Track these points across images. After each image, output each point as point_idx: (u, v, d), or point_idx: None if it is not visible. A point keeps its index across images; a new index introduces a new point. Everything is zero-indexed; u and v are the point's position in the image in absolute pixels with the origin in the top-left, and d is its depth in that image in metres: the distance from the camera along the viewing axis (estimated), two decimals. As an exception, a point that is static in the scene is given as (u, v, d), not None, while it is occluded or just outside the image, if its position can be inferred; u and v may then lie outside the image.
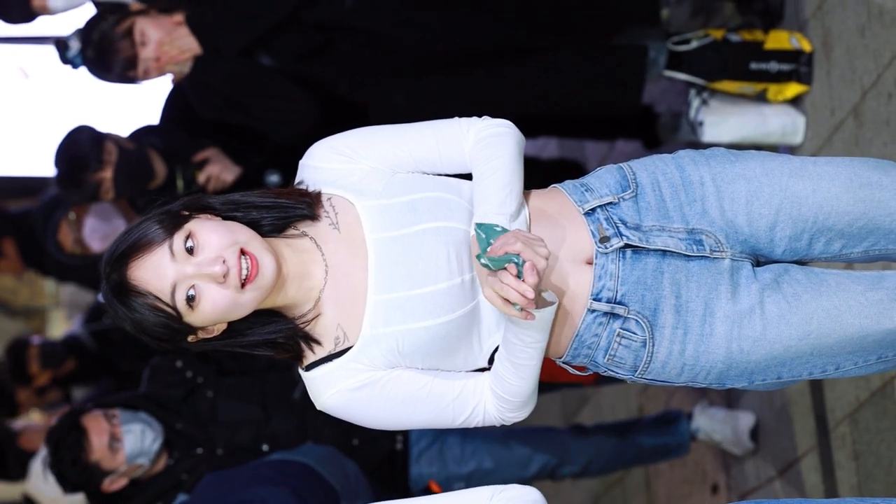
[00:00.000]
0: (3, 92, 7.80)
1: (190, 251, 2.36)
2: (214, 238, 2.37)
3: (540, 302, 2.34)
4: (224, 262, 2.35)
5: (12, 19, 4.65)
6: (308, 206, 2.47)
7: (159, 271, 2.36)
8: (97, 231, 5.42)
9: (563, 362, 2.54)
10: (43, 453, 5.78)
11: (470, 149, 2.51)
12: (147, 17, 4.22)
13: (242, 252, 2.37)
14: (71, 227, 5.50)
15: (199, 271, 2.36)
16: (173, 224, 2.39)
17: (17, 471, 5.93)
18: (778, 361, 2.51)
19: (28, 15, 4.58)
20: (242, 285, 2.37)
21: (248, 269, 2.36)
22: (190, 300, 2.36)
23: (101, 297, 2.47)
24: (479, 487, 2.36)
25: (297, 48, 4.23)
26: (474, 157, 2.50)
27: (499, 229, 2.34)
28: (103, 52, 4.24)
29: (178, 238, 2.37)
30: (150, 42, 4.21)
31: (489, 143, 2.50)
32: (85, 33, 4.26)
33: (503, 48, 4.26)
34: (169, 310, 2.36)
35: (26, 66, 7.72)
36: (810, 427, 4.12)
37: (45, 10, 4.54)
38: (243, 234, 2.39)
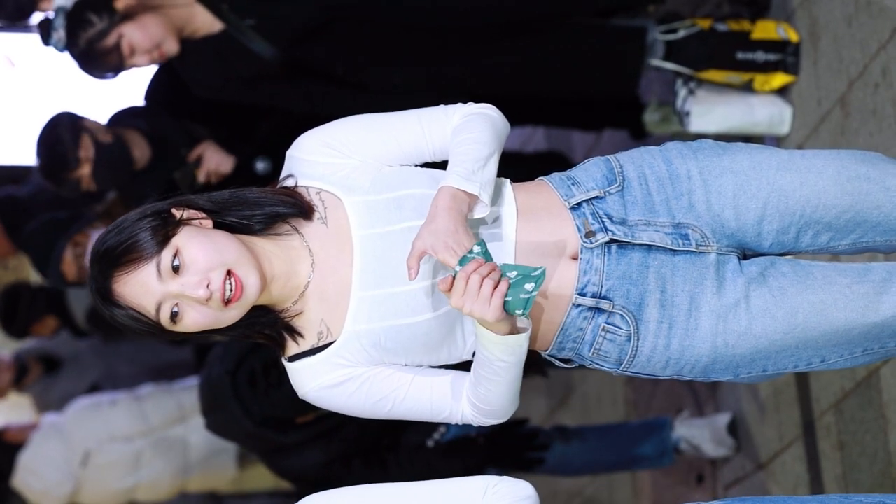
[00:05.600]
0: (-11, 80, 7.77)
1: (176, 269, 2.37)
2: (201, 257, 2.37)
3: (513, 326, 2.33)
4: (208, 285, 2.36)
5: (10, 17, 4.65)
6: (298, 203, 2.46)
7: (145, 289, 2.37)
8: None
9: (549, 355, 2.54)
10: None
11: (452, 130, 2.50)
12: (133, 23, 4.20)
13: (228, 272, 2.37)
14: (74, 257, 5.47)
15: (183, 292, 2.37)
16: (162, 237, 2.38)
17: (6, 466, 5.91)
18: (763, 355, 2.51)
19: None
20: (226, 303, 2.38)
21: (231, 290, 2.37)
22: (174, 316, 2.38)
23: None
24: (473, 478, 2.36)
25: (295, 30, 4.23)
26: (454, 134, 2.49)
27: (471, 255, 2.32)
28: (89, 60, 4.25)
29: (166, 255, 2.37)
30: (139, 52, 4.22)
31: (470, 121, 2.49)
32: (70, 32, 4.24)
33: (501, 28, 4.26)
34: (151, 323, 2.39)
35: (12, 54, 7.69)
36: (795, 417, 4.12)
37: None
38: (231, 253, 2.39)
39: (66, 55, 4.30)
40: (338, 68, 4.31)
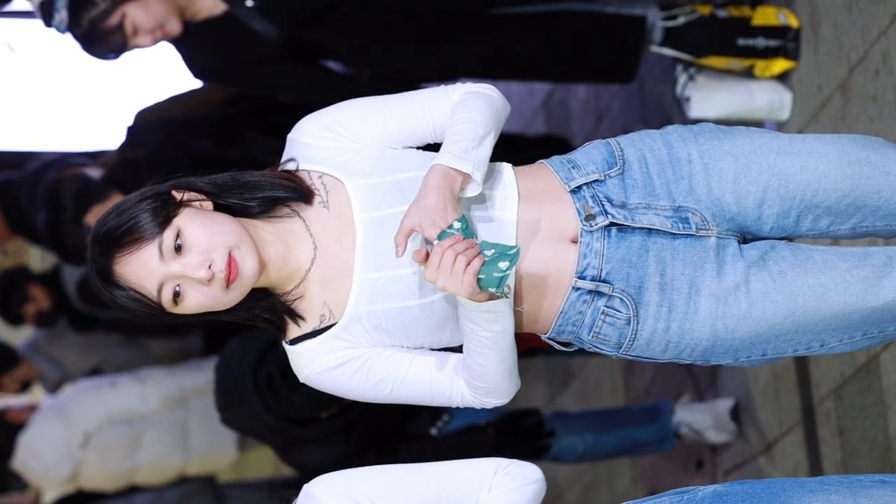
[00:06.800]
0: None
1: (178, 249, 2.38)
2: (203, 238, 2.38)
3: (492, 296, 2.33)
4: (210, 266, 2.37)
5: None
6: (298, 187, 2.47)
7: (147, 270, 2.38)
8: None
9: (548, 338, 2.54)
10: None
11: (452, 108, 2.50)
12: (136, 3, 4.20)
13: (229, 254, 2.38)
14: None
15: (185, 273, 2.38)
16: (164, 217, 2.39)
17: (6, 447, 5.92)
18: (763, 339, 2.51)
19: None
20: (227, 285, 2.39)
21: (230, 270, 2.38)
22: (175, 297, 2.39)
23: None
24: (483, 459, 2.37)
25: (296, 11, 4.23)
26: (452, 112, 2.49)
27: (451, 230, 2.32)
28: (92, 40, 4.26)
29: (168, 236, 2.38)
30: (142, 31, 4.23)
31: (468, 100, 2.49)
32: (73, 12, 4.24)
33: (503, 13, 4.26)
34: (153, 304, 2.40)
35: (12, 40, 7.69)
36: (795, 403, 4.13)
37: None
38: (232, 236, 2.39)
39: (68, 36, 4.30)
40: (340, 51, 4.32)
